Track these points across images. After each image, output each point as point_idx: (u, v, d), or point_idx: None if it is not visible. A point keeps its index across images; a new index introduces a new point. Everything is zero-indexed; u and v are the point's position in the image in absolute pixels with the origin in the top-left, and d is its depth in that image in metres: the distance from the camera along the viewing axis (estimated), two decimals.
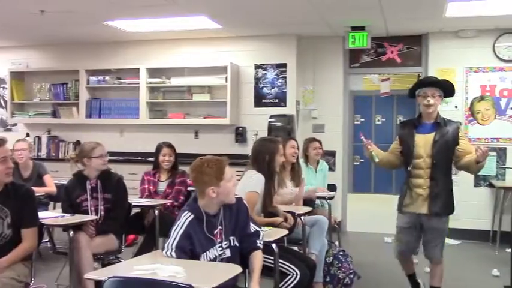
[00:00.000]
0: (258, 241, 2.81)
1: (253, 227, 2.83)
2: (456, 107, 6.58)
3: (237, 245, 2.73)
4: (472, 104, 6.57)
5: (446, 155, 3.78)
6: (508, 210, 5.73)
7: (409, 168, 3.83)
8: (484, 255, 5.83)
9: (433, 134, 3.77)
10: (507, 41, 6.46)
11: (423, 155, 3.77)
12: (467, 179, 6.55)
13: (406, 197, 3.91)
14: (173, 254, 2.51)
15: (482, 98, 6.55)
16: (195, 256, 2.58)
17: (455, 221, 6.58)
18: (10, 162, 3.14)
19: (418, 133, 3.83)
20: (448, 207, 3.92)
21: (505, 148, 6.48)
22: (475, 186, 6.58)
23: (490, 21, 6.07)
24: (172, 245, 2.53)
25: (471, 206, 6.51)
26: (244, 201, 2.90)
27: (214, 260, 2.65)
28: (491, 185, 6.48)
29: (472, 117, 6.57)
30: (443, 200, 3.83)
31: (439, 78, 4.14)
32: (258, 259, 2.77)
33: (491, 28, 6.38)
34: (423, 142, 3.79)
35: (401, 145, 3.95)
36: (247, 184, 3.69)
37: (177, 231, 2.57)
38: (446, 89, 3.88)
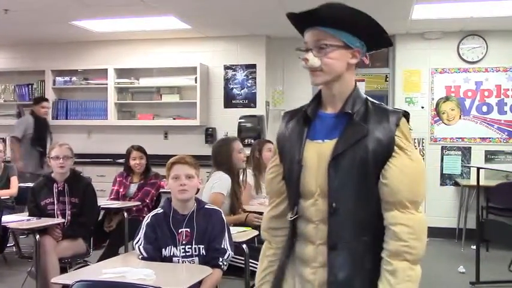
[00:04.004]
0: (220, 259, 2.67)
1: (224, 244, 2.72)
2: (423, 107, 6.71)
3: (205, 254, 2.68)
4: (437, 104, 6.71)
5: (360, 191, 1.58)
6: (473, 208, 5.86)
7: (289, 217, 1.67)
8: (450, 253, 5.94)
9: (333, 142, 1.60)
10: (471, 43, 6.61)
11: (313, 189, 1.61)
12: (433, 177, 6.70)
13: (284, 283, 1.72)
14: (141, 242, 2.63)
15: (447, 99, 6.69)
16: (159, 248, 2.65)
17: None
18: None
19: (310, 138, 1.65)
20: None
21: (470, 147, 6.64)
22: (441, 185, 6.72)
23: (454, 23, 6.21)
24: (140, 234, 2.66)
25: (437, 204, 6.64)
26: (223, 216, 2.85)
27: (175, 257, 2.64)
28: (456, 184, 6.63)
29: (437, 117, 6.71)
30: None
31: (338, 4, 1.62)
32: (210, 278, 2.53)
33: (456, 30, 6.53)
34: (315, 160, 1.61)
35: (283, 165, 1.73)
36: (213, 185, 3.72)
37: (144, 222, 2.70)
38: (354, 29, 1.63)
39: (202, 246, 2.68)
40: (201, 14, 5.83)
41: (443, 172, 6.71)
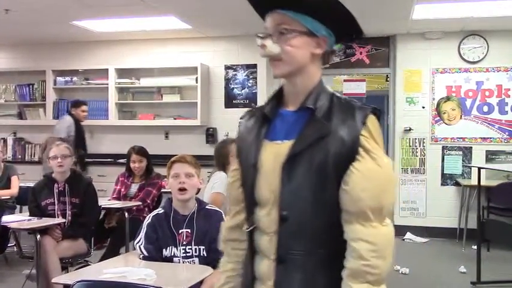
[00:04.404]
0: (220, 260, 2.67)
1: None
2: (423, 107, 6.70)
3: (205, 255, 2.68)
4: (438, 104, 6.70)
5: (318, 198, 1.38)
6: (474, 208, 5.86)
7: (245, 228, 1.50)
8: (451, 252, 5.93)
9: (289, 143, 1.40)
10: (472, 43, 6.61)
11: (268, 196, 1.42)
12: (434, 177, 6.70)
13: None
14: (142, 242, 2.64)
15: (448, 99, 6.69)
16: (160, 248, 2.65)
17: (423, 219, 6.73)
18: None
19: (268, 139, 1.46)
20: None
21: (471, 147, 6.63)
22: (442, 185, 6.71)
23: (455, 23, 6.20)
24: (141, 235, 2.66)
25: (438, 204, 6.65)
26: (223, 216, 2.84)
27: (176, 257, 2.64)
28: (457, 184, 6.63)
29: (438, 117, 6.70)
30: None
31: None
32: (211, 279, 2.42)
33: (457, 30, 6.52)
34: (272, 163, 1.42)
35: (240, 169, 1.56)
36: (213, 185, 3.73)
37: (145, 222, 2.71)
38: (320, 14, 1.41)
39: (203, 247, 2.67)
40: (202, 14, 5.83)
41: (444, 172, 6.71)
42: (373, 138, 1.37)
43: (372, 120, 1.38)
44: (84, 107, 6.54)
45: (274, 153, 1.41)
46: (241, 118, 1.59)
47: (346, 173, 1.33)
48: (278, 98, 1.50)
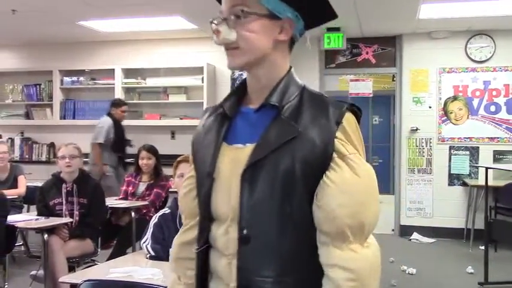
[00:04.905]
0: None
1: None
2: (430, 107, 6.68)
3: None
4: (445, 104, 6.68)
5: (285, 214, 1.14)
6: (481, 208, 5.83)
7: (195, 249, 1.26)
8: (458, 253, 5.91)
9: (251, 147, 1.18)
10: (478, 42, 6.58)
11: (226, 211, 1.19)
12: (441, 177, 6.68)
13: None
14: (149, 241, 2.65)
15: (455, 98, 6.66)
16: (167, 248, 2.64)
17: (430, 219, 6.71)
18: None
19: (228, 142, 1.23)
20: None
21: (478, 147, 6.60)
22: (449, 185, 6.68)
23: (462, 22, 6.17)
24: (148, 234, 2.68)
25: (445, 204, 6.62)
26: None
27: None
28: (464, 184, 6.60)
29: (445, 117, 6.68)
30: None
31: None
32: None
33: (463, 29, 6.49)
34: (230, 171, 1.19)
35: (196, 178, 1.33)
36: None
37: (152, 222, 2.73)
38: None
39: None
40: (208, 14, 5.79)
41: (451, 172, 6.68)
42: (351, 142, 1.15)
43: (349, 119, 1.17)
44: (124, 107, 6.37)
45: (233, 160, 1.18)
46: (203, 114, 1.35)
47: (319, 184, 1.12)
48: (241, 92, 1.28)
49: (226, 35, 1.18)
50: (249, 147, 1.16)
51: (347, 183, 1.11)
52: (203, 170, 1.23)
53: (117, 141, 6.21)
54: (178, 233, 1.36)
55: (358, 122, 1.21)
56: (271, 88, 1.21)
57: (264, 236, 1.14)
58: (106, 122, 6.25)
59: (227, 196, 1.17)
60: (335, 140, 1.13)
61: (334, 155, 1.13)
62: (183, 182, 1.37)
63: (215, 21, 1.21)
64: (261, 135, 1.16)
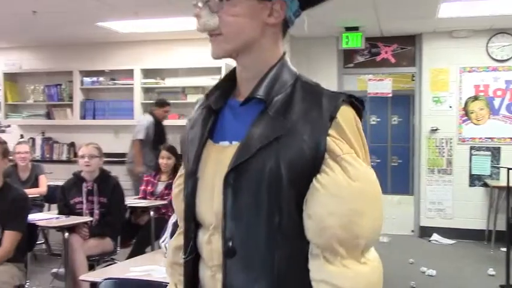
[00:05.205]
0: None
1: None
2: (450, 106, 6.60)
3: None
4: (466, 103, 6.59)
5: (274, 224, 1.00)
6: (503, 209, 5.75)
7: (182, 257, 1.15)
8: (479, 255, 5.83)
9: (235, 147, 1.04)
10: (500, 41, 6.48)
11: (209, 217, 1.07)
12: (462, 178, 6.59)
13: None
14: (167, 240, 2.65)
15: (476, 98, 6.57)
16: None
17: (450, 220, 6.63)
18: None
19: (214, 140, 1.12)
20: None
21: (499, 148, 6.50)
22: (470, 185, 6.60)
23: (483, 21, 6.09)
24: (167, 233, 2.68)
25: (466, 205, 6.54)
26: None
27: None
28: (485, 185, 6.51)
29: (466, 117, 6.59)
30: None
31: None
32: None
33: (485, 28, 6.40)
34: (213, 173, 1.07)
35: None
36: None
37: (170, 221, 2.72)
38: None
39: None
40: None
41: (472, 173, 6.59)
42: (347, 140, 0.98)
43: (345, 113, 1.00)
44: (167, 108, 6.43)
45: (217, 160, 1.05)
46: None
47: (309, 190, 0.97)
48: (231, 82, 1.14)
49: (207, 20, 1.06)
50: (233, 147, 1.03)
51: (339, 188, 0.95)
52: (187, 168, 1.12)
53: (157, 140, 6.23)
54: (173, 236, 1.27)
55: (360, 116, 1.03)
56: (259, 79, 1.06)
57: (251, 248, 0.99)
58: (146, 119, 6.31)
59: (210, 200, 1.05)
60: (327, 137, 0.97)
61: (326, 155, 0.97)
62: (175, 181, 1.25)
63: (199, 4, 1.06)
64: (245, 133, 1.02)
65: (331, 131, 0.98)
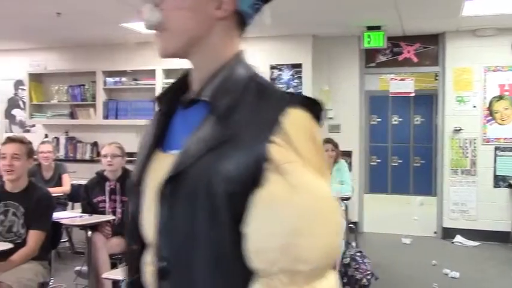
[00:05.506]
0: None
1: None
2: (474, 106, 6.50)
3: None
4: (490, 103, 6.49)
5: (214, 243, 0.87)
6: None
7: (125, 279, 1.08)
8: (504, 257, 5.73)
9: (172, 155, 0.94)
10: None
11: (151, 237, 0.97)
12: (486, 179, 6.49)
13: None
14: None
15: (500, 98, 6.46)
16: None
17: (474, 222, 6.53)
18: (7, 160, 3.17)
19: (163, 147, 1.02)
20: None
21: None
22: (495, 186, 6.49)
23: (508, 19, 5.98)
24: None
25: (490, 206, 6.43)
26: None
27: None
28: (510, 186, 6.40)
29: (490, 117, 6.49)
30: None
31: None
32: None
33: (510, 27, 6.29)
34: (154, 183, 0.95)
35: None
36: None
37: None
38: None
39: None
40: None
41: (497, 174, 6.48)
42: (294, 147, 0.84)
43: (294, 116, 0.86)
44: None
45: (160, 171, 0.92)
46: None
47: (247, 206, 0.83)
48: (184, 84, 1.05)
49: (150, 16, 0.95)
50: (170, 155, 0.92)
51: (276, 204, 0.80)
52: (132, 179, 1.01)
53: None
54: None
55: (319, 120, 0.90)
56: (203, 70, 0.98)
57: (187, 269, 0.87)
58: None
59: (152, 215, 0.93)
60: (270, 144, 0.83)
61: (267, 165, 0.82)
62: None
63: None
64: (185, 140, 0.90)
65: (274, 138, 0.83)
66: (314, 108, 0.89)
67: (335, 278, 0.85)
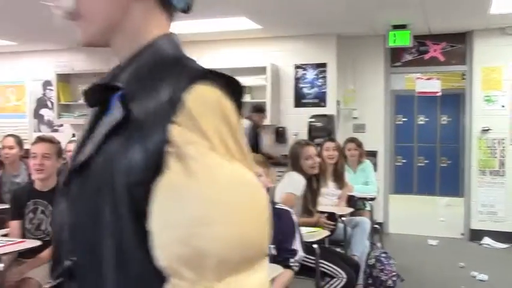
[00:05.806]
0: (291, 259, 2.73)
1: (294, 245, 2.77)
2: (503, 106, 6.38)
3: (275, 254, 2.70)
4: None
5: (117, 241, 0.78)
6: None
7: (49, 284, 0.92)
8: None
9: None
10: None
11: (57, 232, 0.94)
12: None
13: None
14: None
15: None
16: None
17: (502, 224, 6.40)
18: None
19: None
20: None
21: None
22: None
23: None
24: None
25: None
26: (293, 216, 2.88)
27: None
28: None
29: None
30: None
31: None
32: (281, 278, 2.59)
33: None
34: None
35: None
36: (286, 185, 3.73)
37: None
38: None
39: (273, 246, 2.68)
40: (272, 14, 5.85)
41: None
42: (198, 127, 0.74)
43: (201, 93, 0.77)
44: (264, 114, 6.59)
45: None
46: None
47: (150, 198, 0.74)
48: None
49: (61, 2, 0.86)
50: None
51: (175, 191, 0.72)
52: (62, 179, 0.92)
53: (255, 145, 6.35)
54: None
55: (238, 100, 0.81)
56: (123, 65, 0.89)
57: (92, 271, 0.80)
58: (245, 123, 6.38)
59: (58, 212, 0.88)
60: (170, 125, 0.74)
61: (167, 148, 0.73)
62: None
63: None
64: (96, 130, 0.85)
65: (175, 117, 0.74)
66: (230, 86, 0.80)
67: (263, 274, 0.74)
